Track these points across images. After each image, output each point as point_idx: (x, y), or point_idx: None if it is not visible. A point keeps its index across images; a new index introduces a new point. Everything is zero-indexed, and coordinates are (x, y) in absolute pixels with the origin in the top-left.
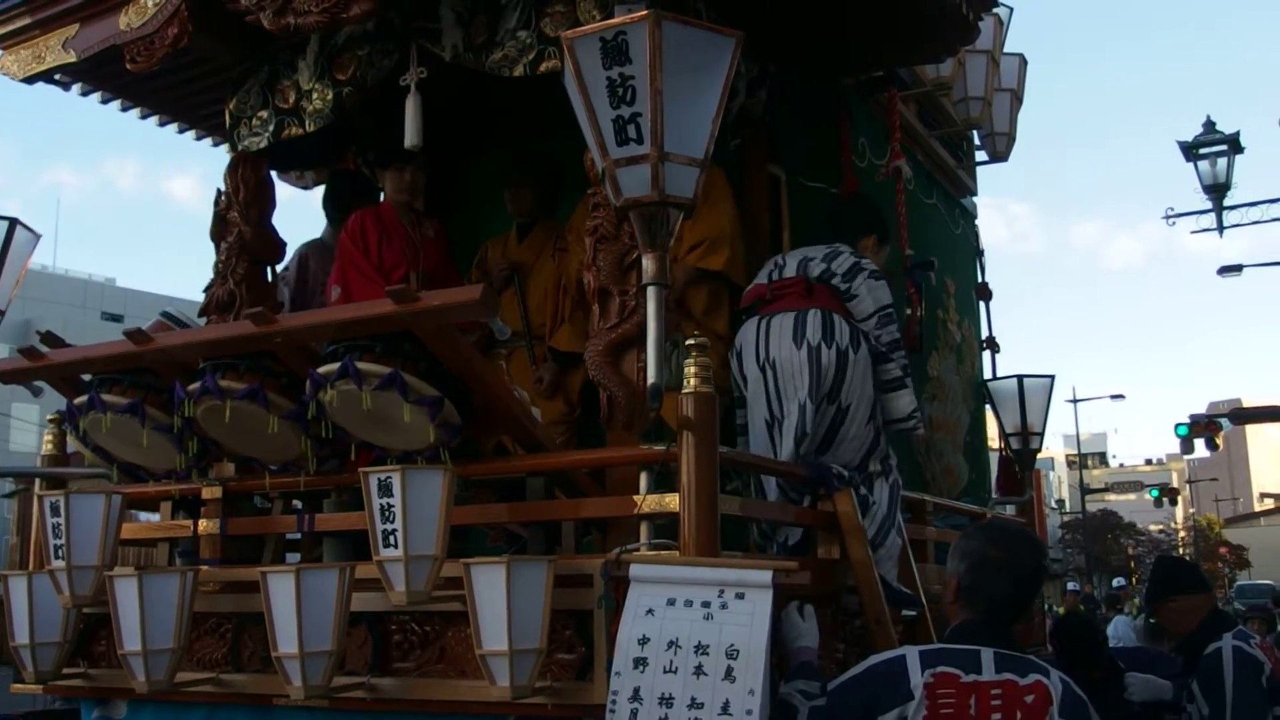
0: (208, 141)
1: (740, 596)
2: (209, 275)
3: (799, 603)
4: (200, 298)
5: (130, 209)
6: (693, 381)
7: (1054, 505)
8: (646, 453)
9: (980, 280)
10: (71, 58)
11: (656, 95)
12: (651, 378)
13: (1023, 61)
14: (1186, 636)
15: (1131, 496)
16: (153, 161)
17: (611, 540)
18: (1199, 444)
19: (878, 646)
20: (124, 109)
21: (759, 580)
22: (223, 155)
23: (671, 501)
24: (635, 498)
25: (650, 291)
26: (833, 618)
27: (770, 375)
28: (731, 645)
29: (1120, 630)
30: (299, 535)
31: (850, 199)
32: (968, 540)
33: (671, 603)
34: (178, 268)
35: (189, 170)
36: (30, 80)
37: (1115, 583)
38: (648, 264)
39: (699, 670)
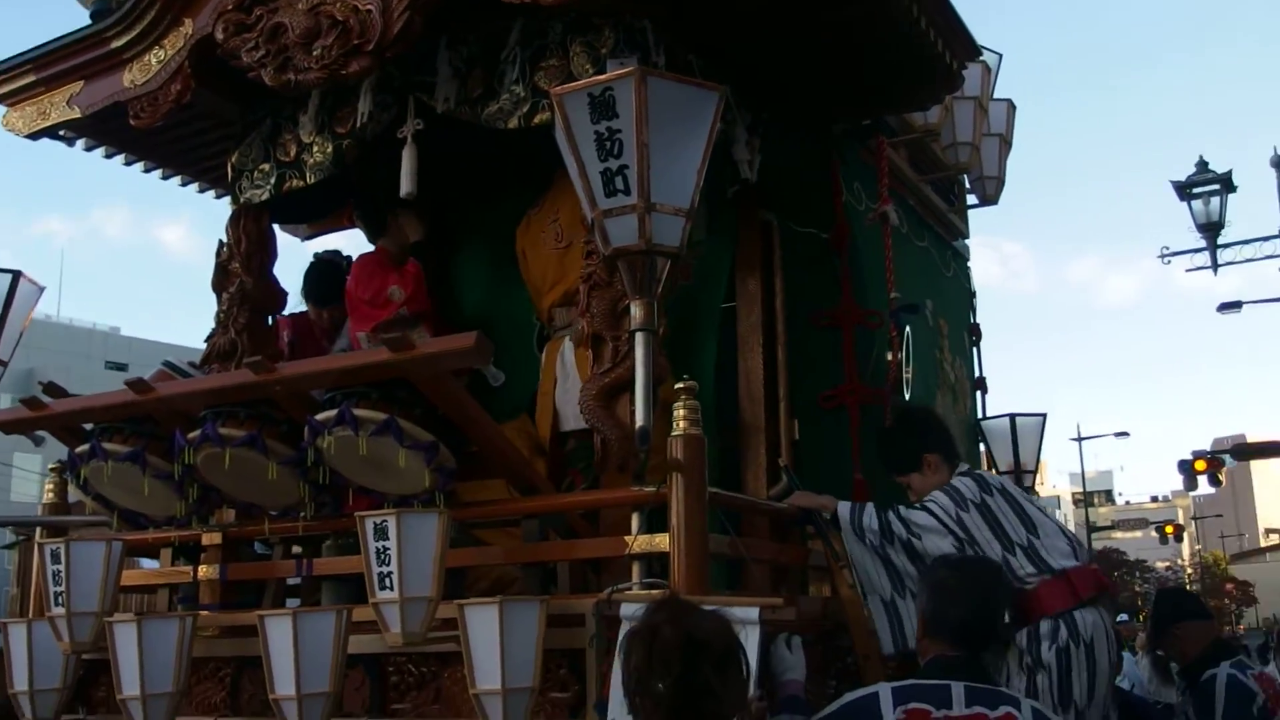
0: (197, 188)
1: None
2: (209, 322)
3: (786, 635)
4: (201, 346)
5: (122, 257)
6: (682, 424)
7: None
8: (637, 494)
9: (972, 321)
10: (76, 114)
11: (643, 148)
12: (640, 421)
13: (1011, 107)
14: (1189, 663)
15: (1138, 534)
16: (142, 209)
17: (606, 580)
18: (1202, 480)
19: (867, 681)
20: (127, 163)
21: (746, 617)
22: (214, 203)
23: (662, 541)
24: (627, 538)
25: (639, 337)
26: (824, 654)
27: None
28: None
29: (1126, 670)
30: (299, 580)
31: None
32: (927, 573)
33: None
34: (176, 314)
35: (179, 217)
36: (35, 136)
37: (1119, 618)
38: (636, 310)
39: None
